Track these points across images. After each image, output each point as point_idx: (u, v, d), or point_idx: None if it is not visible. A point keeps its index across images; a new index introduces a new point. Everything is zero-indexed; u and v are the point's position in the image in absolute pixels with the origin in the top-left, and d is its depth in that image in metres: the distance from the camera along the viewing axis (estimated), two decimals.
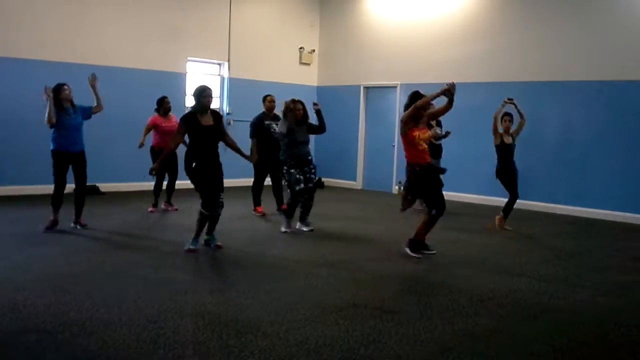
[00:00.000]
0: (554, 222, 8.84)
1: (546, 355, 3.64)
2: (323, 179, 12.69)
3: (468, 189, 10.59)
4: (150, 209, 8.33)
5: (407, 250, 6.05)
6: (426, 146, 5.99)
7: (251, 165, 8.35)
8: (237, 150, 6.08)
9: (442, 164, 9.40)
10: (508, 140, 7.64)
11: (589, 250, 6.93)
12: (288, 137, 7.06)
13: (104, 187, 9.95)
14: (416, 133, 5.88)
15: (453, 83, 5.69)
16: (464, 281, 5.24)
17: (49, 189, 6.85)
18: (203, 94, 5.77)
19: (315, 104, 7.39)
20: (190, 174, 5.83)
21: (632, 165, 8.98)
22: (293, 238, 6.90)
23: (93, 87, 6.92)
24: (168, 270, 5.39)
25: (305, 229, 7.32)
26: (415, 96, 6.01)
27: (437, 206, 5.95)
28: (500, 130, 7.64)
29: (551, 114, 9.75)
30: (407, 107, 6.04)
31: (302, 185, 7.04)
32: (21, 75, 9.09)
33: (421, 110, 5.89)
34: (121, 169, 9.49)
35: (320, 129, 7.42)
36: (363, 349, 3.57)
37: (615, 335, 4.06)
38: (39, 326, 3.77)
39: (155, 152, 8.17)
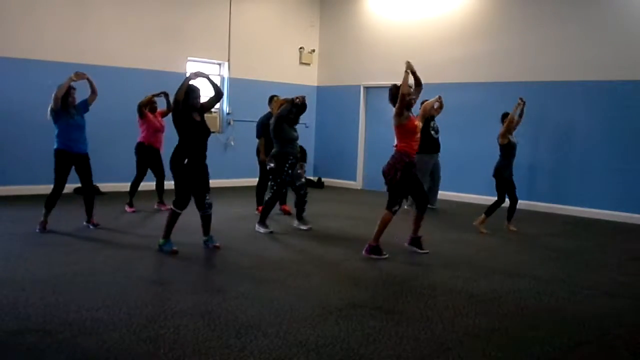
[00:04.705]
0: (554, 222, 8.84)
1: (546, 355, 3.64)
2: (323, 179, 12.71)
3: (468, 189, 10.59)
4: (127, 208, 8.19)
5: (370, 255, 5.98)
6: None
7: (257, 165, 8.39)
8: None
9: (441, 163, 9.44)
10: (514, 139, 7.59)
11: (589, 250, 6.93)
12: (286, 134, 7.05)
13: (104, 187, 9.93)
14: (417, 122, 5.96)
15: (407, 61, 6.02)
16: (464, 281, 5.24)
17: (50, 189, 6.80)
18: (192, 95, 5.80)
19: (302, 98, 7.26)
20: (177, 170, 5.81)
21: (632, 165, 8.97)
22: (293, 238, 6.90)
23: (86, 79, 6.74)
24: (168, 270, 5.41)
25: (303, 227, 7.32)
26: (395, 89, 6.06)
27: (423, 199, 6.07)
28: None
29: (551, 114, 9.74)
30: (392, 101, 6.05)
31: (301, 181, 7.33)
32: (21, 75, 9.08)
33: (407, 95, 5.91)
34: (121, 169, 9.47)
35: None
36: (363, 349, 3.57)
37: (615, 335, 4.06)
38: (39, 326, 3.77)
39: (143, 147, 8.16)
